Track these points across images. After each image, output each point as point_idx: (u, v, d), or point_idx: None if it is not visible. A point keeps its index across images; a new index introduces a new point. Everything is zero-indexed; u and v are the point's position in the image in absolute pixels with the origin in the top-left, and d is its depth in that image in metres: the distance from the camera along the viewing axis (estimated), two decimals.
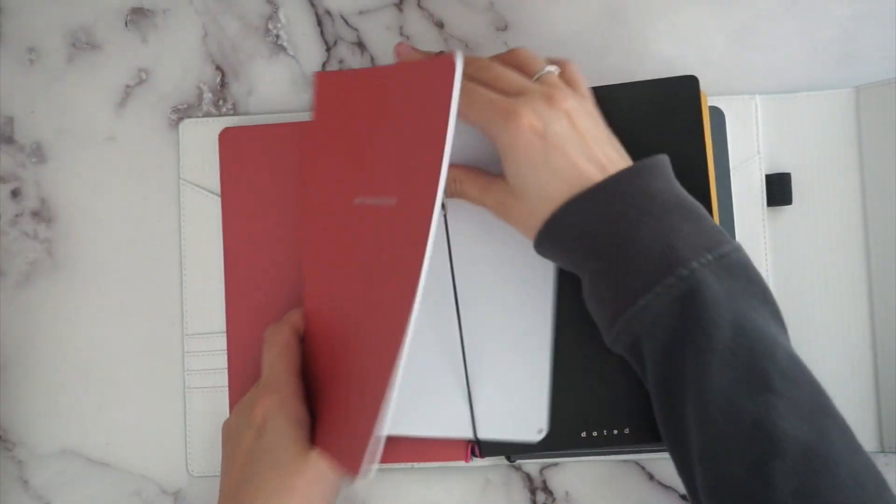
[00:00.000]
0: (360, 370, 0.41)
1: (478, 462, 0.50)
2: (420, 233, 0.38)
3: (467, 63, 0.43)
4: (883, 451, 0.48)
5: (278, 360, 0.45)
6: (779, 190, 0.50)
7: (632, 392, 0.46)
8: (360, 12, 0.54)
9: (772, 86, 0.52)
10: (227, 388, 0.50)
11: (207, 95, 0.54)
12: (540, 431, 0.46)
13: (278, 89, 0.54)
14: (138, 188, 0.53)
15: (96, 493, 0.52)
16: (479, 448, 0.47)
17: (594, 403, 0.46)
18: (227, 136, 0.52)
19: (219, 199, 0.52)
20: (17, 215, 0.54)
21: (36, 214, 0.54)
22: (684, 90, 0.46)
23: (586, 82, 0.44)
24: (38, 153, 0.54)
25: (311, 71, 0.54)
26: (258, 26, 0.54)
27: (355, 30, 0.54)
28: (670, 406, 0.39)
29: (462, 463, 0.49)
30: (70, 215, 0.53)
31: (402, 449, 0.48)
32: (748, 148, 0.50)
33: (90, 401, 0.52)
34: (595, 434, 0.46)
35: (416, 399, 0.47)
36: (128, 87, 0.54)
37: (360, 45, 0.54)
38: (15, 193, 0.54)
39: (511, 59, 0.44)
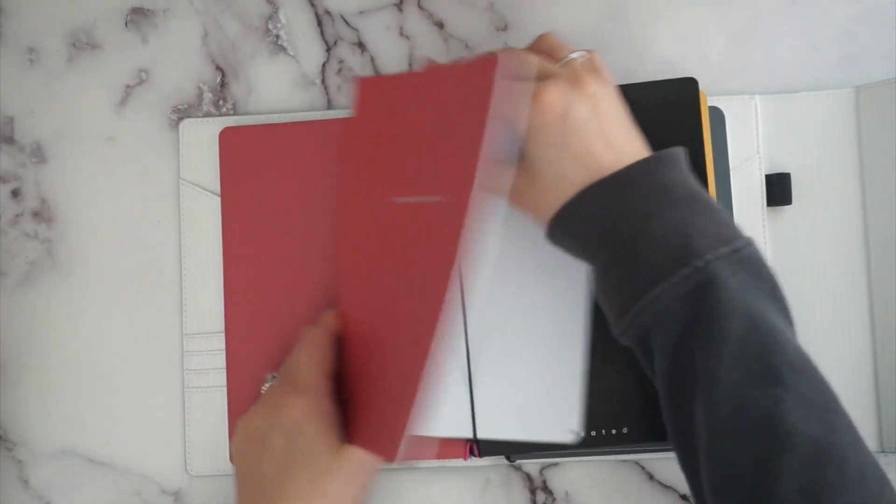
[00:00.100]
0: (406, 365, 0.41)
1: (478, 462, 0.50)
2: (459, 225, 0.39)
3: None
4: (883, 451, 0.48)
5: (313, 362, 0.44)
6: (779, 190, 0.50)
7: (631, 391, 0.46)
8: (360, 12, 0.54)
9: (772, 86, 0.52)
10: (226, 388, 0.50)
11: (207, 95, 0.54)
12: (572, 433, 0.46)
13: (278, 89, 0.54)
14: (138, 188, 0.53)
15: (96, 493, 0.52)
16: (478, 447, 0.47)
17: (593, 403, 0.46)
18: (227, 136, 0.52)
19: (219, 199, 0.52)
20: (17, 215, 0.54)
21: (36, 214, 0.54)
22: (684, 92, 0.46)
23: (609, 73, 0.44)
24: (38, 153, 0.54)
25: (311, 71, 0.54)
26: (258, 26, 0.54)
27: (355, 30, 0.54)
28: (678, 398, 0.38)
29: (462, 462, 0.49)
30: (70, 215, 0.53)
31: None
32: (748, 148, 0.50)
33: (90, 401, 0.52)
34: (594, 434, 0.46)
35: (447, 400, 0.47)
36: (128, 87, 0.54)
37: (360, 45, 0.54)
38: (15, 193, 0.54)
39: (539, 46, 0.45)
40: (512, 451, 0.48)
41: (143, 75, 0.54)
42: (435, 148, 0.43)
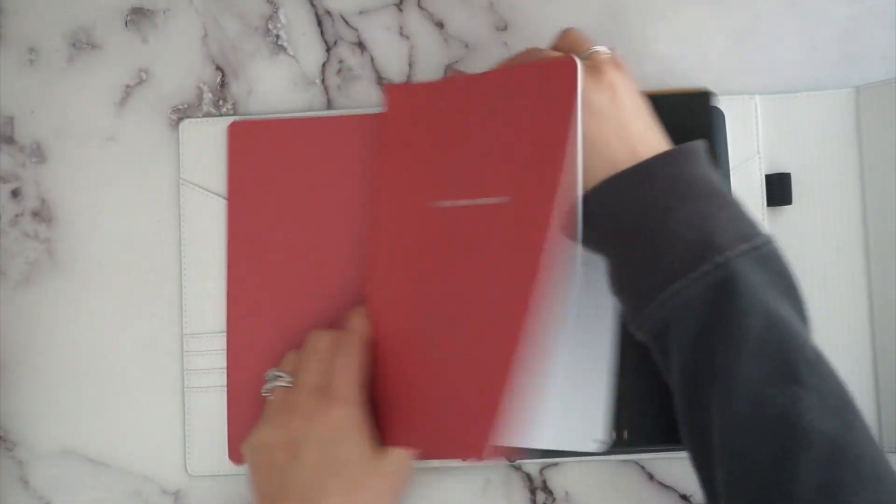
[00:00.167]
0: (489, 365, 0.41)
1: (477, 462, 0.50)
2: (540, 228, 0.39)
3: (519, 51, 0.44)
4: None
5: (350, 371, 0.44)
6: (779, 190, 0.50)
7: (632, 396, 0.46)
8: (360, 12, 0.54)
9: (772, 86, 0.52)
10: (226, 388, 0.50)
11: (207, 95, 0.54)
12: (597, 442, 0.46)
13: (278, 89, 0.54)
14: (138, 188, 0.53)
15: (96, 493, 0.52)
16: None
17: None
18: (236, 130, 0.51)
19: (219, 199, 0.52)
20: (17, 215, 0.54)
21: (36, 214, 0.54)
22: (697, 104, 0.47)
23: (629, 70, 0.44)
24: (38, 153, 0.54)
25: (311, 71, 0.54)
26: (258, 26, 0.54)
27: (355, 30, 0.54)
28: (694, 394, 0.38)
29: (462, 462, 0.49)
30: (70, 215, 0.53)
31: None
32: (748, 148, 0.50)
33: (90, 401, 0.52)
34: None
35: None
36: (128, 87, 0.54)
37: (360, 45, 0.54)
38: (15, 193, 0.54)
39: (562, 41, 0.45)
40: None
41: (143, 75, 0.54)
42: (496, 151, 0.43)
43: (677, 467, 0.50)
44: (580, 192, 0.39)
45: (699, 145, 0.41)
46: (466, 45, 0.53)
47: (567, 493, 0.50)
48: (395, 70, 0.53)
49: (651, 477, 0.50)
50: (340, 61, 0.54)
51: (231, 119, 0.52)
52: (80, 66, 0.54)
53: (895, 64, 0.51)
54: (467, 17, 0.53)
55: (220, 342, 0.51)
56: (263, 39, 0.54)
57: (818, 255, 0.50)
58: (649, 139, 0.41)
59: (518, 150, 0.42)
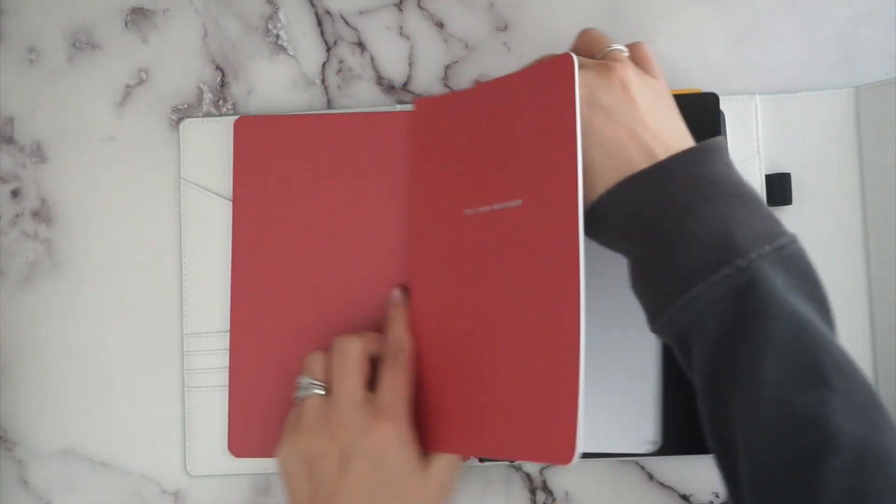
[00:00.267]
0: (534, 367, 0.41)
1: (477, 462, 0.50)
2: (567, 224, 0.39)
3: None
4: None
5: (399, 387, 0.44)
6: (779, 190, 0.50)
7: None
8: (360, 12, 0.54)
9: (772, 86, 0.52)
10: (226, 388, 0.50)
11: (207, 95, 0.54)
12: (649, 442, 0.45)
13: (278, 89, 0.54)
14: (138, 188, 0.53)
15: (96, 493, 0.52)
16: None
17: None
18: (242, 126, 0.51)
19: (219, 199, 0.52)
20: (17, 215, 0.54)
21: (36, 214, 0.54)
22: (705, 107, 0.46)
23: (657, 64, 0.43)
24: (38, 153, 0.54)
25: (311, 71, 0.54)
26: (258, 26, 0.54)
27: (355, 30, 0.54)
28: (718, 397, 0.37)
29: (462, 462, 0.49)
30: (70, 215, 0.53)
31: None
32: (748, 148, 0.50)
33: (90, 401, 0.52)
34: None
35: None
36: (128, 87, 0.54)
37: (360, 45, 0.54)
38: (15, 193, 0.54)
39: (579, 42, 0.44)
40: None
41: (143, 75, 0.54)
42: (511, 155, 0.43)
43: (677, 467, 0.50)
44: (581, 187, 0.39)
45: (720, 142, 0.40)
46: (466, 45, 0.53)
47: (567, 493, 0.50)
48: (395, 70, 0.53)
49: (651, 477, 0.50)
50: (340, 61, 0.54)
51: (231, 119, 0.52)
52: (80, 66, 0.54)
53: (895, 64, 0.51)
54: (467, 17, 0.53)
55: (221, 342, 0.51)
56: (263, 39, 0.54)
57: (818, 255, 0.49)
58: (667, 136, 0.40)
59: (526, 152, 0.42)
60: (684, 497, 0.50)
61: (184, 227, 0.52)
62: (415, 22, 0.54)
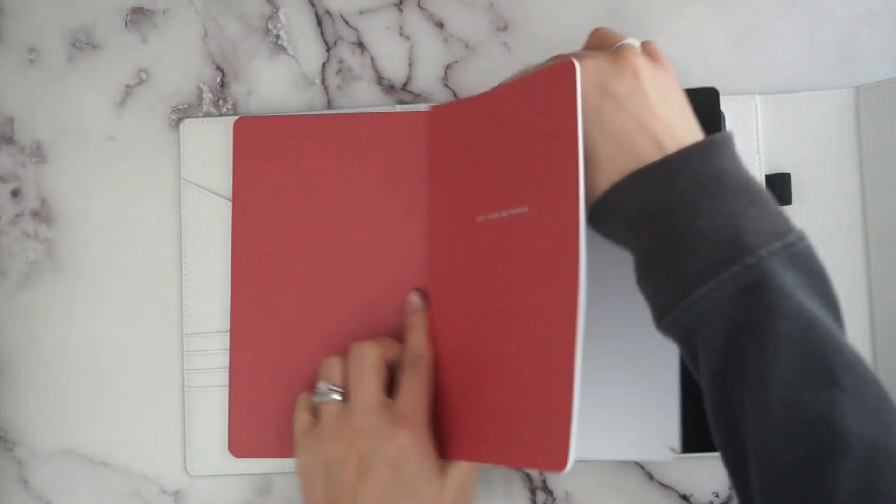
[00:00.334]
0: (532, 374, 0.41)
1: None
2: (567, 233, 0.39)
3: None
4: None
5: (421, 395, 0.44)
6: (779, 190, 0.50)
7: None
8: (360, 12, 0.54)
9: (772, 86, 0.52)
10: (226, 388, 0.50)
11: (207, 95, 0.54)
12: (670, 449, 0.45)
13: (278, 89, 0.54)
14: (138, 188, 0.53)
15: (96, 493, 0.52)
16: None
17: None
18: (241, 126, 0.51)
19: (219, 199, 0.52)
20: (17, 215, 0.54)
21: (36, 214, 0.54)
22: (705, 102, 0.46)
23: (668, 61, 0.43)
24: (38, 153, 0.54)
25: (311, 71, 0.54)
26: (258, 26, 0.54)
27: (355, 30, 0.54)
28: (726, 397, 0.37)
29: None
30: (70, 215, 0.53)
31: None
32: (748, 148, 0.50)
33: (90, 401, 0.52)
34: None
35: None
36: (128, 87, 0.54)
37: (360, 45, 0.54)
38: (15, 193, 0.54)
39: (591, 40, 0.44)
40: None
41: (143, 75, 0.54)
42: (516, 162, 0.43)
43: (677, 467, 0.50)
44: (583, 196, 0.39)
45: (727, 136, 0.39)
46: (466, 45, 0.53)
47: (567, 493, 0.50)
48: (395, 70, 0.53)
49: (651, 477, 0.50)
50: (340, 61, 0.54)
51: (231, 119, 0.52)
52: (80, 66, 0.54)
53: (895, 64, 0.51)
54: (467, 17, 0.53)
55: (221, 342, 0.51)
56: (263, 39, 0.54)
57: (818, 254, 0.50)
58: (676, 128, 0.39)
59: (530, 159, 0.42)
60: (684, 497, 0.50)
61: (184, 227, 0.52)
62: (415, 22, 0.54)
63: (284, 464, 0.50)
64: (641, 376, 0.46)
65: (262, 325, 0.50)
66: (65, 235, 0.53)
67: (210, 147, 0.52)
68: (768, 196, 0.38)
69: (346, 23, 0.54)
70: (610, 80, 0.39)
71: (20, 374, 0.53)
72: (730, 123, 0.50)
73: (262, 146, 0.51)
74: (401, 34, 0.54)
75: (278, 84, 0.54)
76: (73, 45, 0.54)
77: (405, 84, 0.53)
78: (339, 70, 0.54)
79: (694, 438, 0.46)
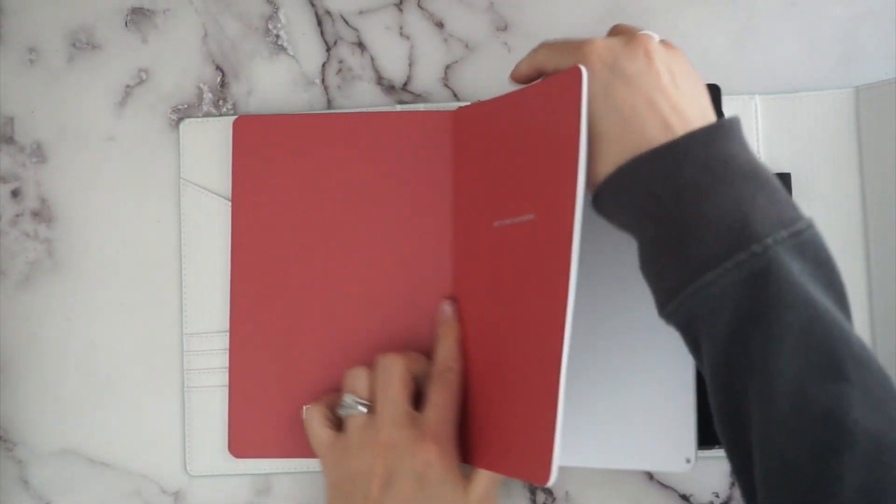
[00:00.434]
0: (522, 386, 0.41)
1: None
2: (562, 242, 0.38)
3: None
4: None
5: (449, 410, 0.44)
6: None
7: None
8: (360, 12, 0.54)
9: (772, 86, 0.52)
10: (226, 388, 0.50)
11: (207, 95, 0.54)
12: (685, 461, 0.45)
13: (278, 89, 0.54)
14: (138, 188, 0.53)
15: (96, 493, 0.52)
16: None
17: None
18: (241, 126, 0.51)
19: (219, 199, 0.52)
20: (17, 215, 0.54)
21: (36, 214, 0.54)
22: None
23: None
24: (38, 153, 0.54)
25: (311, 71, 0.54)
26: (258, 26, 0.54)
27: (355, 30, 0.54)
28: (729, 389, 0.36)
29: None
30: (70, 215, 0.53)
31: None
32: None
33: (90, 401, 0.52)
34: None
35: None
36: (128, 87, 0.54)
37: (360, 45, 0.54)
38: (15, 193, 0.54)
39: (610, 35, 0.44)
40: None
41: (143, 75, 0.54)
42: (526, 168, 0.43)
43: None
44: (580, 207, 0.38)
45: (735, 121, 0.38)
46: (466, 45, 0.53)
47: (567, 493, 0.50)
48: (395, 70, 0.53)
49: (651, 477, 0.50)
50: (340, 61, 0.54)
51: (232, 119, 0.52)
52: (80, 66, 0.54)
53: (895, 64, 0.51)
54: (467, 17, 0.53)
55: (221, 341, 0.51)
56: (263, 39, 0.54)
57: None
58: (687, 110, 0.38)
59: (537, 166, 0.42)
60: (684, 497, 0.50)
61: (184, 227, 0.52)
62: (415, 22, 0.54)
63: (284, 464, 0.50)
64: (657, 387, 0.46)
65: (263, 324, 0.50)
66: (65, 235, 0.53)
67: (210, 147, 0.52)
68: (777, 183, 0.37)
69: (346, 23, 0.54)
70: (622, 59, 0.39)
71: (20, 374, 0.53)
72: None
73: (262, 145, 0.51)
74: (401, 34, 0.54)
75: (278, 84, 0.54)
76: (73, 45, 0.54)
77: (405, 84, 0.53)
78: (339, 70, 0.54)
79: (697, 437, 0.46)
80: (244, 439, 0.50)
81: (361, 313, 0.49)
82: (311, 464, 0.50)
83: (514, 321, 0.42)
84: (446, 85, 0.53)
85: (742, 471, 0.36)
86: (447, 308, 0.48)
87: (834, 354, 0.34)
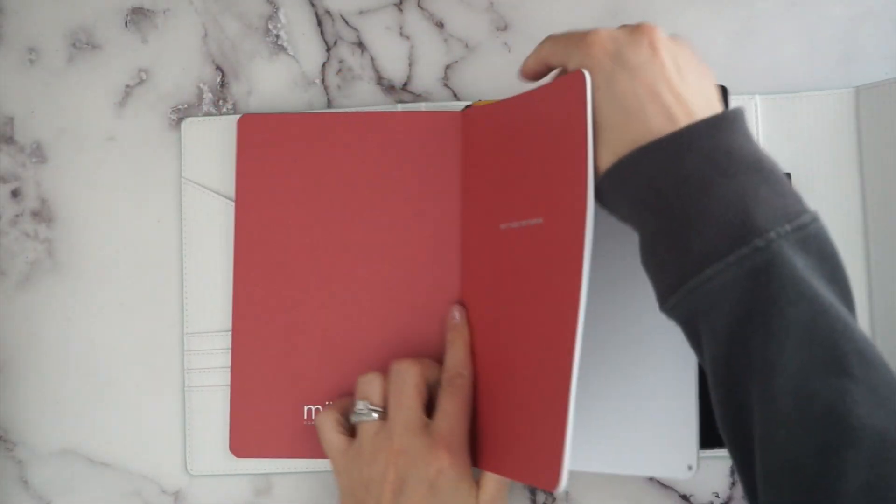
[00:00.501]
0: (533, 391, 0.41)
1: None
2: (574, 243, 0.38)
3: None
4: None
5: (461, 417, 0.44)
6: None
7: None
8: (360, 12, 0.54)
9: (772, 86, 0.52)
10: (227, 388, 0.50)
11: (207, 95, 0.54)
12: (687, 468, 0.45)
13: (278, 89, 0.54)
14: (138, 188, 0.53)
15: (96, 493, 0.52)
16: None
17: None
18: (245, 124, 0.51)
19: (220, 198, 0.52)
20: (17, 215, 0.54)
21: (36, 214, 0.54)
22: None
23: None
24: (38, 153, 0.54)
25: (311, 71, 0.54)
26: (258, 26, 0.54)
27: (355, 30, 0.54)
28: (731, 385, 0.36)
29: None
30: (70, 215, 0.53)
31: None
32: None
33: (90, 401, 0.52)
34: None
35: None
36: (128, 87, 0.54)
37: (360, 45, 0.54)
38: (15, 193, 0.54)
39: None
40: None
41: (143, 75, 0.54)
42: (534, 172, 0.43)
43: None
44: (591, 211, 0.38)
45: (739, 112, 0.38)
46: (466, 45, 0.53)
47: (567, 493, 0.50)
48: (395, 70, 0.53)
49: (651, 477, 0.50)
50: (340, 61, 0.54)
51: (234, 118, 0.52)
52: (80, 66, 0.54)
53: (895, 64, 0.51)
54: (467, 17, 0.53)
55: (221, 341, 0.51)
56: (263, 39, 0.54)
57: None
58: (692, 101, 0.38)
59: (545, 169, 0.42)
60: (684, 497, 0.50)
61: (185, 227, 0.52)
62: (415, 22, 0.54)
63: (284, 464, 0.50)
64: (660, 393, 0.45)
65: (265, 324, 0.50)
66: (65, 235, 0.53)
67: (212, 146, 0.52)
68: (781, 175, 0.37)
69: (346, 23, 0.54)
70: (626, 48, 0.38)
71: (20, 374, 0.53)
72: None
73: (266, 143, 0.51)
74: (401, 34, 0.54)
75: (278, 84, 0.54)
76: (73, 45, 0.54)
77: (405, 84, 0.53)
78: (339, 70, 0.54)
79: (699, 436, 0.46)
80: (245, 439, 0.50)
81: (365, 314, 0.49)
82: (311, 464, 0.50)
83: (525, 326, 0.42)
84: (446, 85, 0.53)
85: (744, 467, 0.36)
86: (456, 313, 0.48)
87: (837, 350, 0.33)
